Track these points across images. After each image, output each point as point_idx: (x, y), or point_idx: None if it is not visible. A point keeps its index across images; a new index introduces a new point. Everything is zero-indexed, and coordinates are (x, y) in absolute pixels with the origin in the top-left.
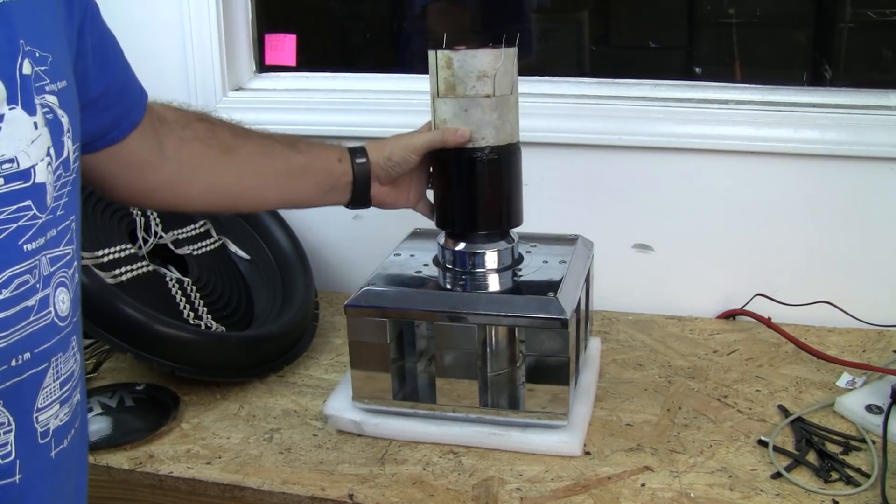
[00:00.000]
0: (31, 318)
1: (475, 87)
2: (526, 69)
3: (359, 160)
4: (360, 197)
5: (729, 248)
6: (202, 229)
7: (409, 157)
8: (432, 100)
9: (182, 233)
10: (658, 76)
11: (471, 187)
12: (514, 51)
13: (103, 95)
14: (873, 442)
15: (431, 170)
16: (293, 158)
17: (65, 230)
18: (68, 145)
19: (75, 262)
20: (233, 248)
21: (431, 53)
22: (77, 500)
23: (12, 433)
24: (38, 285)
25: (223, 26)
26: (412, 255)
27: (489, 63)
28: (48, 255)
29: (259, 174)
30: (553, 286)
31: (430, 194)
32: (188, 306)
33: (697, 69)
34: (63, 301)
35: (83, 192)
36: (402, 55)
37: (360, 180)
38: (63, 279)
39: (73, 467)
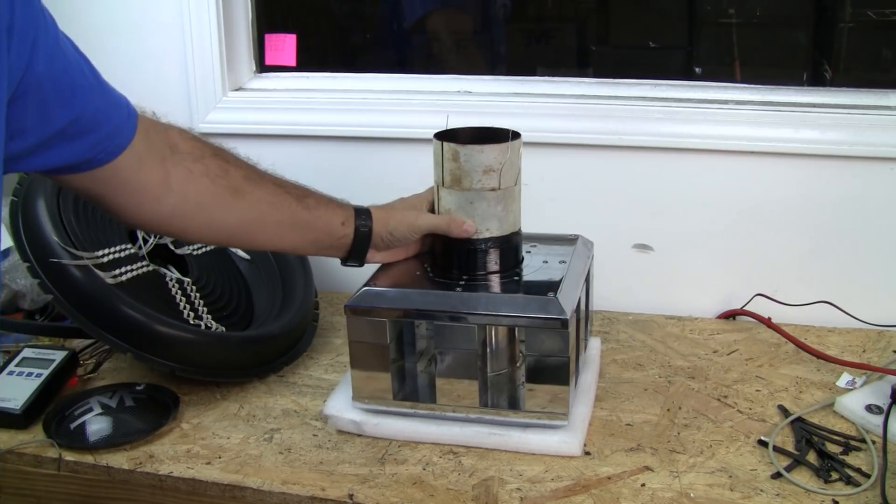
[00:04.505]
0: None
1: (481, 180)
2: (523, 70)
3: (362, 228)
4: (355, 259)
5: (729, 248)
6: None
7: (410, 237)
8: (436, 188)
9: None
10: (658, 76)
11: (471, 270)
12: (519, 143)
13: (75, 122)
14: (873, 442)
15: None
16: (299, 214)
17: None
18: None
19: None
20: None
21: (436, 143)
22: None
23: None
24: None
25: (223, 26)
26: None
27: (496, 158)
28: None
29: (260, 221)
30: (553, 286)
31: None
32: (188, 306)
33: (697, 69)
34: None
35: None
36: (401, 55)
37: (358, 246)
38: None
39: None
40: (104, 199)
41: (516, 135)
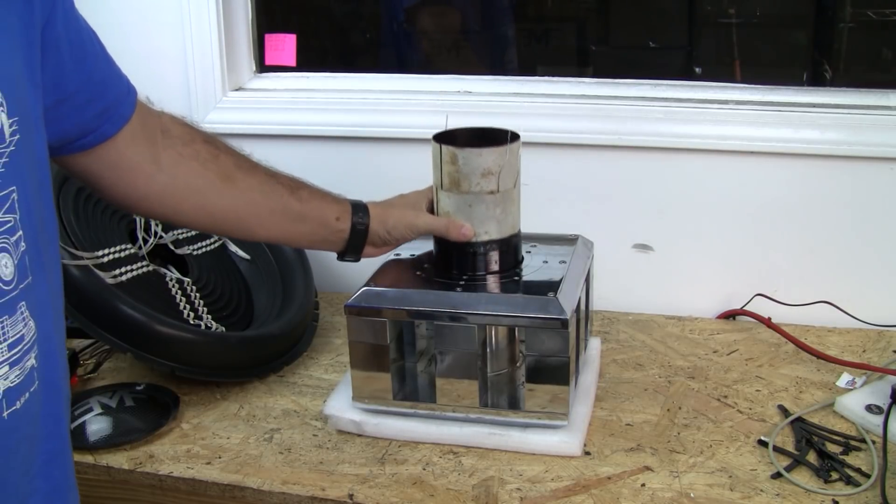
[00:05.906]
0: None
1: (479, 183)
2: (524, 70)
3: (359, 225)
4: (351, 254)
5: (729, 248)
6: None
7: (408, 235)
8: (435, 190)
9: (182, 233)
10: (658, 76)
11: (471, 271)
12: (518, 145)
13: (84, 87)
14: (873, 442)
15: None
16: (291, 205)
17: (3, 199)
18: (2, 119)
19: (20, 231)
20: (233, 248)
21: (435, 146)
22: (32, 465)
23: None
24: None
25: (223, 26)
26: (412, 255)
27: (494, 161)
28: None
29: (253, 210)
30: (553, 286)
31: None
32: (188, 306)
33: (697, 69)
34: (6, 266)
35: (82, 192)
36: (401, 55)
37: (354, 242)
38: (5, 245)
39: (30, 430)
40: (99, 180)
41: (515, 136)
